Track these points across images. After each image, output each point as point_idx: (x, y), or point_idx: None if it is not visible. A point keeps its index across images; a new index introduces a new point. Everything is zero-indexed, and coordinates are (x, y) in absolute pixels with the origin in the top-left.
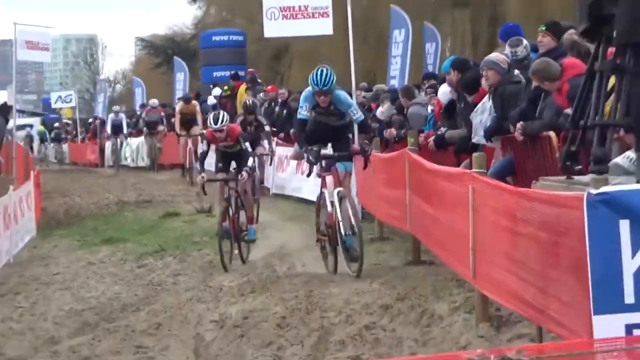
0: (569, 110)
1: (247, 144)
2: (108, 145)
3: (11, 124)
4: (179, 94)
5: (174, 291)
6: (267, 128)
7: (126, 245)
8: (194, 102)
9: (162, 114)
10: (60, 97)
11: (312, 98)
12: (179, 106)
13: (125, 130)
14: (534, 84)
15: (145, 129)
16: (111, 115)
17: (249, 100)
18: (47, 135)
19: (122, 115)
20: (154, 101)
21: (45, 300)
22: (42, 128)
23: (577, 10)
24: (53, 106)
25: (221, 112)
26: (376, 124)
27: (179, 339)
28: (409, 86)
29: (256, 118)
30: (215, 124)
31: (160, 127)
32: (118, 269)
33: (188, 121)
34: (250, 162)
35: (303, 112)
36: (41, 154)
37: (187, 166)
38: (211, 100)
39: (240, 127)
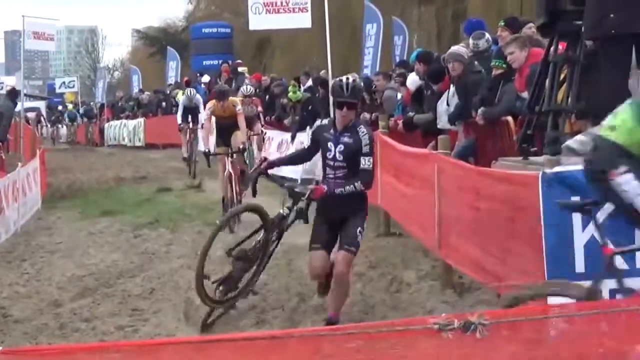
0: (525, 94)
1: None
2: (107, 126)
3: (19, 106)
4: (171, 80)
5: (167, 259)
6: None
7: (123, 217)
8: (232, 98)
9: (259, 109)
10: (64, 82)
11: None
12: (210, 105)
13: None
14: (494, 72)
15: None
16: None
17: (246, 87)
18: (78, 115)
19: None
20: (250, 88)
21: (49, 266)
22: (71, 107)
23: (536, 6)
24: (57, 91)
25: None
26: None
27: (171, 303)
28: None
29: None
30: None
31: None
32: (116, 238)
33: (226, 129)
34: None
35: None
36: (71, 134)
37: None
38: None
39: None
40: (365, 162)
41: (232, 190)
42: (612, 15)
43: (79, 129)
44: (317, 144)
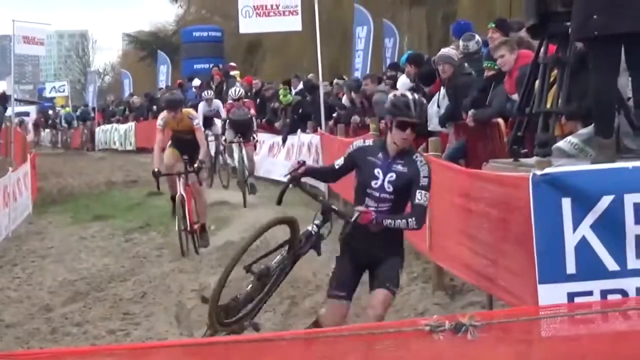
0: (515, 97)
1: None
2: (98, 130)
3: (9, 111)
4: (162, 84)
5: (158, 263)
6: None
7: (114, 221)
8: (188, 110)
9: (252, 112)
10: (54, 87)
11: None
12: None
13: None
14: (486, 74)
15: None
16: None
17: (234, 91)
18: (74, 117)
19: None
20: (239, 91)
21: (40, 271)
22: (68, 109)
23: (525, 7)
24: (47, 95)
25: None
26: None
27: (162, 307)
28: (373, 74)
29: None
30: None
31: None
32: (107, 242)
33: (184, 144)
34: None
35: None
36: (67, 138)
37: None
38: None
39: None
40: (421, 197)
41: (185, 218)
42: (595, 17)
43: (75, 132)
44: (352, 166)
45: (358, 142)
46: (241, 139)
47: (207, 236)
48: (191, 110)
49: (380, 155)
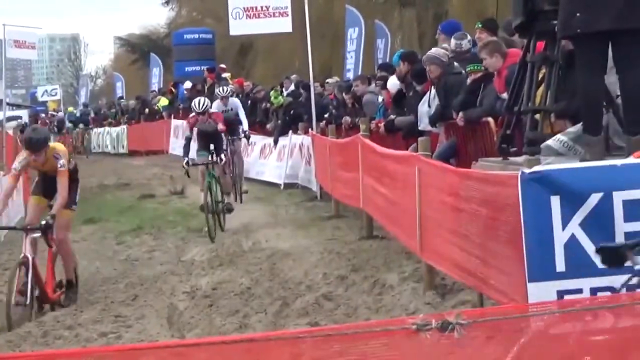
0: (505, 95)
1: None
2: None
3: (0, 115)
4: (154, 87)
5: (150, 265)
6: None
7: (106, 224)
8: (55, 146)
9: (220, 127)
10: (46, 91)
11: None
12: (22, 155)
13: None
14: (472, 77)
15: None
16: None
17: (221, 89)
18: (75, 118)
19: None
20: (227, 89)
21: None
22: (71, 109)
23: (512, 6)
24: (40, 99)
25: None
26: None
27: (154, 309)
28: (363, 74)
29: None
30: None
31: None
32: (99, 245)
33: (50, 182)
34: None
35: None
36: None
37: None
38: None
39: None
40: None
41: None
42: (578, 14)
43: (67, 136)
44: None
45: None
46: (212, 156)
47: (76, 291)
48: (57, 146)
49: None
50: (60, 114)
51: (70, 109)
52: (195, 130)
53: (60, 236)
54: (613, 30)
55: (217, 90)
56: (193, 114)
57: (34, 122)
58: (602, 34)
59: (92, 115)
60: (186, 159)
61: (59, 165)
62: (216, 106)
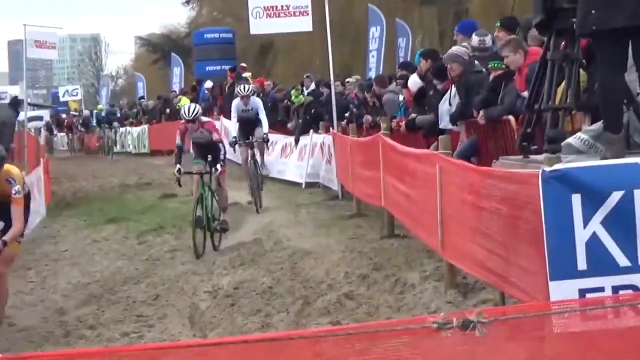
0: (526, 94)
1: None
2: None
3: (22, 116)
4: (175, 87)
5: (171, 265)
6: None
7: (128, 224)
8: (8, 168)
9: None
10: (67, 91)
11: None
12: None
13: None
14: (493, 74)
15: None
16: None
17: (242, 87)
18: (104, 116)
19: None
20: (249, 87)
21: (54, 274)
22: (101, 107)
23: (533, 3)
24: (61, 99)
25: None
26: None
27: (176, 308)
28: (382, 75)
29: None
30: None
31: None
32: (120, 245)
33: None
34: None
35: None
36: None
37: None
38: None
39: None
40: None
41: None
42: (593, 12)
43: (92, 135)
44: None
45: None
46: (208, 166)
47: None
48: (12, 170)
49: None
50: (86, 111)
51: (100, 106)
52: (188, 138)
53: (1, 270)
54: (628, 28)
55: (237, 89)
56: (183, 120)
57: (55, 121)
58: (618, 31)
59: (118, 114)
60: (178, 166)
61: (13, 192)
62: (236, 105)
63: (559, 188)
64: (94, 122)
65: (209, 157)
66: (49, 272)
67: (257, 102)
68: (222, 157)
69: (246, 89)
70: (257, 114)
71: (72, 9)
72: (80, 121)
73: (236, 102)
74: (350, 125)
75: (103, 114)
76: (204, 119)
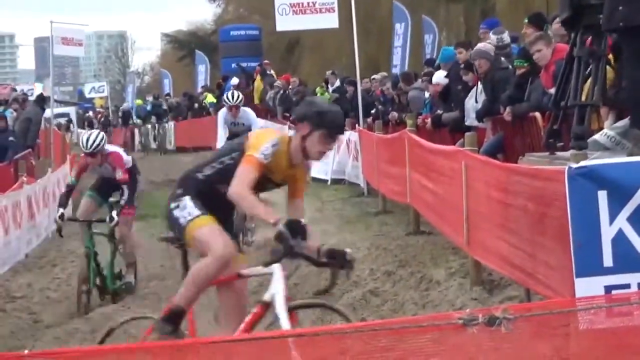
0: (552, 90)
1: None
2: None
3: (48, 113)
4: (201, 83)
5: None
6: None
7: (154, 220)
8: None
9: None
10: (93, 87)
11: None
12: None
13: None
14: (517, 72)
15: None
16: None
17: (229, 95)
18: (147, 112)
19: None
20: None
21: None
22: (140, 101)
23: (559, 0)
24: (87, 96)
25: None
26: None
27: (202, 305)
28: (408, 72)
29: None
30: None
31: None
32: (147, 242)
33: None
34: (126, 196)
35: None
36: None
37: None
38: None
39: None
40: None
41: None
42: (620, 8)
43: (118, 131)
44: None
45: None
46: (113, 212)
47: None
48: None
49: None
50: (126, 104)
51: (139, 101)
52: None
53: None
54: None
55: (224, 97)
56: (82, 154)
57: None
58: None
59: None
60: (61, 210)
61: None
62: (223, 116)
63: (585, 185)
64: (134, 117)
65: (112, 197)
66: (74, 269)
67: (249, 115)
68: (127, 198)
69: (235, 98)
70: (250, 130)
71: (98, 6)
72: (121, 114)
73: (223, 113)
74: (376, 122)
75: (149, 107)
76: (110, 148)
